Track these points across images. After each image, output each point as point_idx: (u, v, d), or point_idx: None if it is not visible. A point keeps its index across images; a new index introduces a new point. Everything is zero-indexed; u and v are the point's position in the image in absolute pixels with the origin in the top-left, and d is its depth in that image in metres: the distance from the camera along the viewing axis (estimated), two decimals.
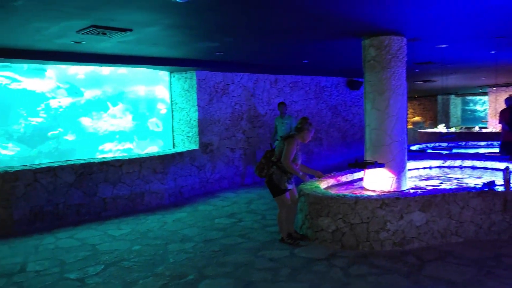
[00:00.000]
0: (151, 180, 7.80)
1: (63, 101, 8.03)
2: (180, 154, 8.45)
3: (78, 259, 5.04)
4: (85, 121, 8.50)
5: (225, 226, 6.31)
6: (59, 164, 6.91)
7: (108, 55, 6.78)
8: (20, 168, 6.58)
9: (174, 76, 9.27)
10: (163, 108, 9.61)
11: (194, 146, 9.04)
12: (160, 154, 8.08)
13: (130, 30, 5.06)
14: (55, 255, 5.22)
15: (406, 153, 6.14)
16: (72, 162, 7.03)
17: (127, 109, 9.41)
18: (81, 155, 8.21)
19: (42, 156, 7.75)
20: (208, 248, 5.30)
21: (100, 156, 8.56)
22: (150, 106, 9.64)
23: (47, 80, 8.10)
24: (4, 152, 7.33)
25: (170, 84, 9.31)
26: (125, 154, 8.50)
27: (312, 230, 5.33)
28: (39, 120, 7.47)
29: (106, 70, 9.00)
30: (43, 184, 6.63)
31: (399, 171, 5.98)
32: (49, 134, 7.53)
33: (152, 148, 9.43)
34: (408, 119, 23.86)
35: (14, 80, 7.43)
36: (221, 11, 4.40)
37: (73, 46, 6.00)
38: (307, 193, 5.42)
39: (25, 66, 7.65)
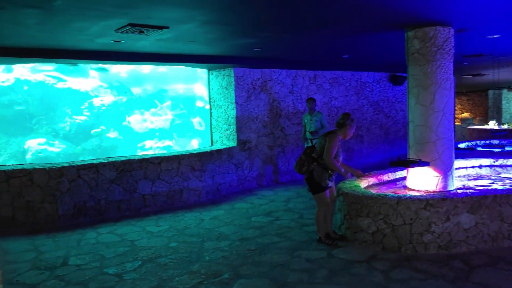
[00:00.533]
0: (189, 178, 7.86)
1: (106, 99, 8.26)
2: (218, 151, 8.45)
3: (117, 255, 5.13)
4: (127, 119, 8.70)
5: (262, 225, 6.23)
6: (101, 161, 7.09)
7: (147, 54, 6.87)
8: (65, 164, 6.81)
9: (212, 74, 9.29)
10: (204, 106, 9.66)
11: (232, 143, 9.03)
12: (198, 151, 8.12)
13: (167, 27, 5.07)
14: (95, 250, 5.34)
15: (453, 151, 5.79)
16: (113, 159, 7.19)
17: (167, 107, 9.55)
18: (122, 152, 8.42)
19: (86, 153, 8.02)
20: (244, 247, 5.23)
21: (140, 153, 8.73)
22: (189, 103, 9.74)
23: (91, 80, 8.35)
24: (51, 149, 7.63)
25: (209, 81, 9.34)
26: (164, 152, 8.62)
27: (351, 230, 5.14)
28: (83, 118, 7.72)
29: (146, 68, 9.18)
30: (86, 180, 6.83)
31: (445, 170, 5.65)
32: (92, 132, 7.75)
33: (191, 146, 9.52)
34: (456, 116, 22.79)
35: (60, 79, 7.72)
36: (256, 5, 4.30)
37: (114, 45, 6.12)
38: (346, 192, 5.23)
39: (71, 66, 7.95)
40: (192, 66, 8.72)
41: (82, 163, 6.97)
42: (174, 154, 7.82)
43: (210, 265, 4.66)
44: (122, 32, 5.17)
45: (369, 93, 11.65)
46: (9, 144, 7.42)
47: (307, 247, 5.13)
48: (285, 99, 9.77)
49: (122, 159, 7.27)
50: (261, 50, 7.40)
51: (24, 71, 7.54)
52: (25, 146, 7.42)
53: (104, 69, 8.46)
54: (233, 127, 8.97)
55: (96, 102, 7.89)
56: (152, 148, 8.99)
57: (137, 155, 7.60)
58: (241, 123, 9.01)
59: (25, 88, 7.50)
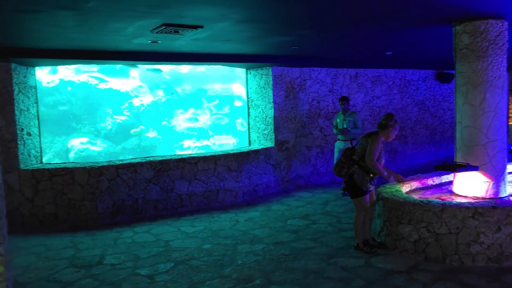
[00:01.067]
0: (225, 178, 7.80)
1: (145, 99, 8.37)
2: (255, 151, 8.35)
3: (151, 255, 5.14)
4: (166, 118, 8.78)
5: (298, 228, 6.05)
6: (139, 160, 7.18)
7: (184, 54, 6.87)
8: (104, 163, 6.95)
9: (250, 73, 9.20)
10: (241, 105, 9.59)
11: (269, 143, 8.89)
12: (235, 151, 8.05)
13: (201, 27, 5.01)
14: (131, 249, 5.38)
15: (506, 155, 5.35)
16: (151, 159, 7.26)
17: (206, 107, 9.56)
18: (161, 152, 8.51)
19: (126, 152, 8.16)
20: (277, 251, 5.09)
21: (179, 153, 8.79)
22: (227, 103, 9.69)
23: (131, 80, 8.49)
24: (93, 148, 7.82)
25: (246, 81, 9.25)
26: (202, 151, 8.63)
27: (391, 238, 4.86)
28: (123, 118, 7.86)
29: (185, 68, 9.22)
30: (124, 180, 6.93)
31: (497, 175, 5.23)
32: (132, 131, 7.87)
33: (229, 146, 9.48)
34: (510, 116, 21.44)
35: (102, 80, 7.89)
36: (291, 1, 4.13)
37: (151, 46, 6.15)
38: (386, 197, 4.95)
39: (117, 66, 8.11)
40: (230, 66, 8.66)
41: (121, 162, 7.09)
42: (211, 154, 7.79)
43: (242, 269, 4.56)
44: (157, 32, 5.16)
45: (414, 91, 11.12)
46: (54, 143, 7.72)
47: (343, 254, 4.91)
48: (324, 98, 9.51)
49: (160, 158, 7.33)
50: (299, 49, 7.22)
51: (68, 72, 7.81)
52: (68, 145, 7.69)
53: (158, 70, 8.58)
54: (271, 127, 8.83)
55: (136, 102, 8.04)
56: (190, 147, 9.04)
57: (174, 155, 7.63)
58: (279, 123, 8.85)
59: (69, 88, 7.76)
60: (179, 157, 7.46)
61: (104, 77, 7.95)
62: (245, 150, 8.19)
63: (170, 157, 7.43)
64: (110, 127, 7.92)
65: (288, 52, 7.62)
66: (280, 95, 8.86)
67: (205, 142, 9.37)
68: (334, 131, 7.98)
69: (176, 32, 5.18)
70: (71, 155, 7.69)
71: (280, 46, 6.86)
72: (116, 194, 6.87)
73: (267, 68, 8.78)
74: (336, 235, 5.67)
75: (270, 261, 4.76)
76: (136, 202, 7.04)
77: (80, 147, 7.48)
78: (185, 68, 9.10)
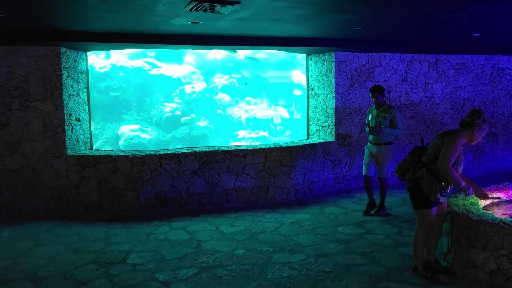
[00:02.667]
0: (276, 173, 7.15)
1: (197, 86, 7.95)
2: (312, 146, 7.56)
3: (177, 257, 4.69)
4: (219, 107, 8.31)
5: (348, 238, 5.23)
6: (183, 151, 6.79)
7: (231, 36, 6.29)
8: (147, 153, 6.67)
9: (311, 59, 8.37)
10: (301, 95, 8.81)
11: (329, 137, 8.04)
12: (289, 145, 7.34)
13: (238, 2, 4.36)
14: (159, 248, 4.99)
15: None
16: (196, 150, 6.84)
17: (263, 95, 8.93)
18: (213, 142, 8.07)
19: (176, 141, 7.85)
20: (317, 266, 4.34)
21: (233, 144, 8.29)
22: (286, 92, 8.96)
23: (185, 66, 8.12)
24: (144, 135, 7.60)
25: (307, 67, 8.45)
26: (258, 143, 8.05)
27: (460, 264, 3.87)
28: (174, 105, 7.52)
29: (243, 54, 8.65)
30: (167, 170, 6.60)
31: None
32: (182, 120, 7.51)
33: (287, 138, 8.77)
34: None
35: (154, 66, 7.61)
36: None
37: (193, 28, 5.65)
38: (456, 212, 3.96)
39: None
40: (288, 51, 7.92)
41: (165, 152, 6.76)
42: (261, 147, 7.17)
43: (271, 285, 3.90)
44: (191, 10, 4.62)
45: (509, 81, 9.45)
46: (105, 129, 7.68)
47: (397, 277, 4.03)
48: (396, 88, 8.38)
49: (205, 149, 6.88)
50: (364, 30, 6.25)
51: (121, 58, 7.69)
52: (119, 132, 7.60)
53: (256, 60, 8.13)
54: (332, 119, 7.96)
55: (188, 89, 7.68)
56: (245, 138, 8.52)
57: (221, 146, 7.13)
58: (341, 115, 7.95)
59: (121, 74, 7.63)
60: (226, 148, 6.95)
61: (156, 62, 7.66)
62: (300, 144, 7.44)
63: (216, 149, 6.95)
64: (160, 115, 7.63)
65: (352, 34, 6.69)
66: (344, 83, 7.93)
67: (261, 133, 8.77)
68: (367, 130, 6.29)
69: (212, 9, 4.59)
70: (121, 142, 7.59)
71: (340, 27, 5.98)
72: (158, 185, 6.56)
73: (330, 53, 7.90)
74: (392, 250, 4.76)
75: (305, 278, 4.05)
76: (179, 194, 6.68)
77: (130, 134, 7.31)
78: (242, 54, 8.53)
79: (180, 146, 7.64)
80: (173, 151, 6.73)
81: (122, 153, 6.62)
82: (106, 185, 6.52)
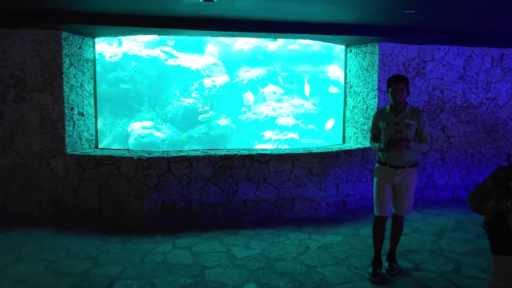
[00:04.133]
0: (305, 184, 6.10)
1: (218, 80, 6.99)
2: (348, 152, 6.45)
3: None
4: (243, 104, 7.32)
5: (390, 275, 4.11)
6: (196, 153, 5.87)
7: (251, 21, 5.29)
8: (155, 154, 5.80)
9: (350, 51, 7.23)
10: (338, 92, 7.69)
11: (369, 143, 6.88)
12: (320, 151, 6.26)
13: None
14: (153, 274, 4.08)
15: None
16: (211, 153, 5.90)
17: (295, 92, 7.86)
18: (234, 144, 7.10)
19: (192, 141, 6.96)
20: None
21: (257, 146, 7.30)
22: (321, 89, 7.85)
23: (207, 57, 7.19)
24: (157, 134, 6.75)
25: (346, 61, 7.31)
26: (285, 147, 7.03)
27: None
28: (191, 101, 6.61)
29: (273, 45, 7.63)
30: (176, 176, 5.70)
31: None
32: (200, 117, 6.59)
33: (318, 141, 7.68)
34: None
35: (171, 55, 6.71)
36: None
37: (206, 9, 4.68)
38: None
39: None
40: (322, 40, 6.83)
41: (176, 154, 5.87)
42: (287, 152, 6.14)
43: None
44: None
45: None
46: (114, 125, 6.92)
47: None
48: (451, 87, 7.10)
49: (222, 153, 5.93)
50: (417, 14, 5.09)
51: (135, 46, 6.88)
52: (128, 129, 6.82)
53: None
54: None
55: (207, 82, 6.78)
56: (271, 140, 7.53)
57: (241, 150, 6.14)
58: None
59: (133, 64, 6.84)
60: (247, 153, 5.97)
61: (174, 52, 6.78)
62: (334, 150, 6.34)
63: (235, 152, 5.98)
64: (175, 111, 6.75)
65: (401, 21, 5.55)
66: None
67: (290, 135, 7.73)
68: (373, 145, 4.34)
69: None
70: (131, 140, 6.80)
71: (388, 9, 4.85)
72: (166, 193, 5.68)
73: (373, 44, 6.74)
74: None
75: None
76: (190, 204, 5.77)
77: (141, 132, 6.50)
78: (272, 45, 7.51)
79: (197, 147, 6.76)
80: (185, 154, 5.83)
81: (126, 154, 5.78)
82: (107, 189, 5.71)
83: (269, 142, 7.56)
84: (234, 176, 5.88)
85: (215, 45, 7.34)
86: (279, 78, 7.38)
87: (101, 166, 5.71)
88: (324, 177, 6.19)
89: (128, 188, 5.66)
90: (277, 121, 7.16)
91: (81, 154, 5.78)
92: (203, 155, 5.79)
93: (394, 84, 4.08)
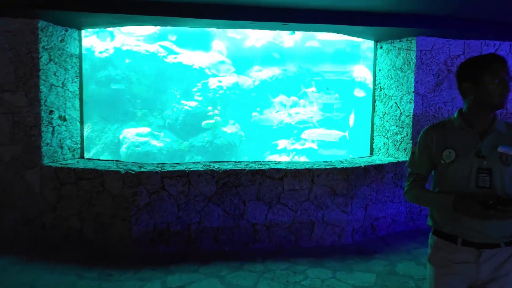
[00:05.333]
0: (327, 205, 5.07)
1: (225, 80, 6.03)
2: (379, 167, 5.40)
3: None
4: (257, 108, 6.33)
5: None
6: (196, 167, 4.90)
7: (263, 8, 4.31)
8: (146, 168, 4.84)
9: (380, 47, 6.18)
10: (365, 96, 6.65)
11: (402, 155, 5.83)
12: (345, 165, 5.22)
13: None
14: None
15: None
16: (214, 167, 4.91)
17: (314, 96, 6.84)
18: (243, 154, 6.12)
19: (194, 151, 6.01)
20: None
21: (269, 158, 6.30)
22: (345, 92, 6.80)
23: (213, 54, 6.23)
24: (154, 142, 5.80)
25: (375, 59, 6.25)
26: (302, 159, 6.03)
27: None
28: (193, 104, 5.67)
29: (289, 41, 6.63)
30: (172, 194, 4.74)
31: None
32: (203, 123, 5.63)
33: (341, 152, 6.63)
34: None
35: (171, 51, 5.77)
36: None
37: None
38: None
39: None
40: (348, 34, 5.80)
41: (172, 168, 4.91)
42: (306, 166, 5.12)
43: None
44: None
45: None
46: (105, 132, 6.04)
47: None
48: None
49: (227, 167, 4.94)
50: (463, 1, 4.05)
51: (130, 40, 5.97)
52: (120, 136, 5.93)
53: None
54: (408, 130, 5.75)
55: (212, 83, 5.85)
56: (286, 150, 6.55)
57: (251, 163, 5.14)
58: (422, 126, 5.71)
59: (127, 61, 5.94)
60: (257, 167, 4.97)
61: (175, 47, 5.85)
62: (362, 165, 5.30)
63: (243, 167, 4.99)
64: (175, 115, 5.81)
65: (443, 8, 4.51)
66: (428, 81, 5.69)
67: (308, 144, 6.71)
68: (420, 199, 2.26)
69: None
70: (123, 149, 5.90)
71: None
72: (159, 215, 4.72)
73: (409, 39, 5.69)
74: None
75: None
76: (187, 228, 4.80)
77: (135, 140, 5.59)
78: (288, 41, 6.52)
79: (199, 158, 5.81)
80: (182, 168, 4.86)
81: (113, 167, 4.83)
82: (89, 209, 4.78)
83: (283, 153, 6.57)
84: (241, 195, 4.89)
85: (223, 41, 6.41)
86: (313, 83, 6.46)
87: (82, 181, 4.78)
88: (350, 197, 5.15)
89: (114, 208, 4.72)
90: (303, 135, 6.19)
91: (60, 166, 4.86)
92: (204, 170, 4.81)
93: (499, 65, 2.01)
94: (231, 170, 4.86)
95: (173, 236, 4.79)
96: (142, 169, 4.76)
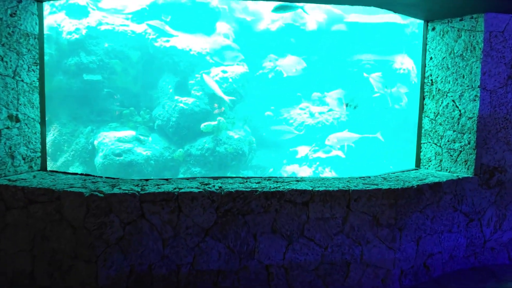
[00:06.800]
0: (367, 239, 3.73)
1: (231, 70, 4.71)
2: (435, 187, 4.04)
3: None
4: (268, 107, 5.00)
5: None
6: (188, 188, 3.57)
7: None
8: (121, 187, 3.53)
9: (433, 29, 4.79)
10: (408, 92, 5.29)
11: (462, 170, 4.45)
12: (392, 185, 3.86)
13: None
14: None
15: None
16: (213, 187, 3.58)
17: (340, 93, 5.49)
18: (254, 165, 4.79)
19: (191, 161, 4.72)
20: None
21: (287, 170, 5.00)
22: (383, 86, 5.45)
23: (217, 38, 4.92)
24: (139, 150, 4.50)
25: (425, 44, 4.86)
26: (327, 173, 4.68)
27: None
28: (190, 100, 4.37)
29: (312, 23, 5.28)
30: (155, 226, 3.43)
31: None
32: (203, 125, 4.31)
33: (371, 162, 5.30)
34: None
35: (163, 33, 4.46)
36: None
37: None
38: None
39: None
40: (394, 10, 4.43)
41: (155, 188, 3.59)
42: (339, 187, 3.77)
43: None
44: None
45: None
46: (76, 136, 4.81)
47: None
48: None
49: (231, 187, 3.61)
50: None
51: (112, 19, 4.68)
52: (96, 142, 4.71)
53: (293, 7, 4.94)
54: (470, 137, 4.37)
55: (215, 73, 4.56)
56: (307, 159, 5.21)
57: (264, 179, 3.80)
58: (489, 131, 4.35)
59: (106, 45, 4.66)
60: (272, 187, 3.63)
61: (168, 28, 4.57)
62: (414, 184, 3.94)
63: (254, 186, 3.66)
64: (167, 115, 4.50)
65: None
66: (499, 73, 4.31)
67: (335, 152, 5.37)
68: None
69: None
70: (99, 158, 4.65)
71: None
72: (137, 253, 3.42)
73: (475, 17, 4.31)
74: None
75: None
76: (176, 271, 3.49)
77: (115, 146, 4.33)
78: (311, 22, 5.18)
79: (197, 170, 4.52)
80: (169, 189, 3.53)
81: (75, 187, 3.53)
82: (43, 244, 3.50)
83: (304, 163, 5.23)
84: (250, 227, 3.56)
85: (230, 23, 5.09)
86: (371, 80, 5.23)
87: (34, 205, 3.49)
88: (398, 228, 3.80)
89: (75, 244, 3.42)
90: (327, 142, 4.92)
91: (7, 183, 3.58)
92: (199, 192, 3.49)
93: None
94: (237, 192, 3.53)
95: (156, 282, 3.48)
96: (115, 190, 3.45)
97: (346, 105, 5.82)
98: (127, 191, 3.43)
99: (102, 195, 3.37)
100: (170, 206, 3.44)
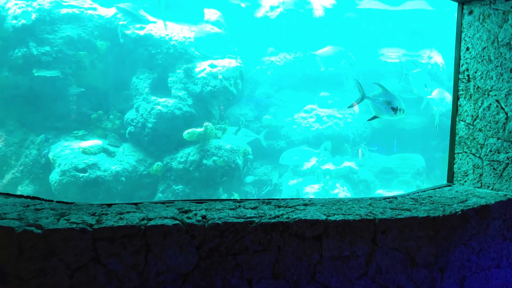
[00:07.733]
0: (398, 283, 2.83)
1: (222, 64, 3.84)
2: (480, 211, 3.16)
3: None
4: (267, 110, 4.14)
5: None
6: (160, 220, 2.67)
7: None
8: (69, 222, 2.62)
9: (470, 13, 3.91)
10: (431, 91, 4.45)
11: (510, 187, 3.57)
12: (431, 213, 2.96)
13: None
14: None
15: None
16: (192, 219, 2.68)
17: (357, 93, 4.67)
18: (250, 183, 3.90)
19: (172, 177, 3.88)
20: None
21: (290, 183, 4.13)
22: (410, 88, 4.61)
23: (203, 25, 4.10)
24: (107, 164, 3.66)
25: (459, 32, 3.98)
26: (339, 192, 3.78)
27: None
28: (171, 101, 3.71)
29: (319, 9, 4.44)
30: (113, 271, 2.53)
31: None
32: (186, 133, 3.47)
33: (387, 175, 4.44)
34: None
35: (137, 19, 3.64)
36: None
37: None
38: None
39: None
40: None
41: (117, 221, 2.69)
42: (362, 215, 2.86)
43: None
44: None
45: None
46: (26, 146, 3.95)
47: None
48: None
49: (219, 215, 2.71)
50: None
51: (74, 0, 3.81)
52: (50, 154, 3.85)
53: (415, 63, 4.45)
54: None
55: (202, 68, 3.70)
56: (315, 172, 4.29)
57: (261, 202, 2.90)
58: None
59: (68, 34, 3.77)
60: (273, 215, 2.73)
61: (142, 13, 3.70)
62: (457, 210, 3.05)
63: (248, 214, 2.75)
64: (143, 121, 3.64)
65: None
66: None
67: (347, 163, 4.47)
68: None
69: None
70: (55, 175, 3.79)
71: None
72: None
73: None
74: None
75: None
76: None
77: (78, 160, 3.47)
78: (318, 9, 4.31)
79: (179, 188, 3.62)
80: (134, 221, 2.63)
81: (3, 220, 2.62)
82: None
83: (310, 177, 4.33)
84: (244, 270, 2.67)
85: (221, 9, 4.21)
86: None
87: None
88: (438, 268, 2.91)
89: None
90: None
91: None
92: (174, 225, 2.59)
93: None
94: (225, 224, 2.64)
95: None
96: (61, 223, 2.55)
97: (426, 86, 5.16)
98: (75, 225, 2.53)
99: (39, 231, 2.47)
100: (134, 244, 2.55)
